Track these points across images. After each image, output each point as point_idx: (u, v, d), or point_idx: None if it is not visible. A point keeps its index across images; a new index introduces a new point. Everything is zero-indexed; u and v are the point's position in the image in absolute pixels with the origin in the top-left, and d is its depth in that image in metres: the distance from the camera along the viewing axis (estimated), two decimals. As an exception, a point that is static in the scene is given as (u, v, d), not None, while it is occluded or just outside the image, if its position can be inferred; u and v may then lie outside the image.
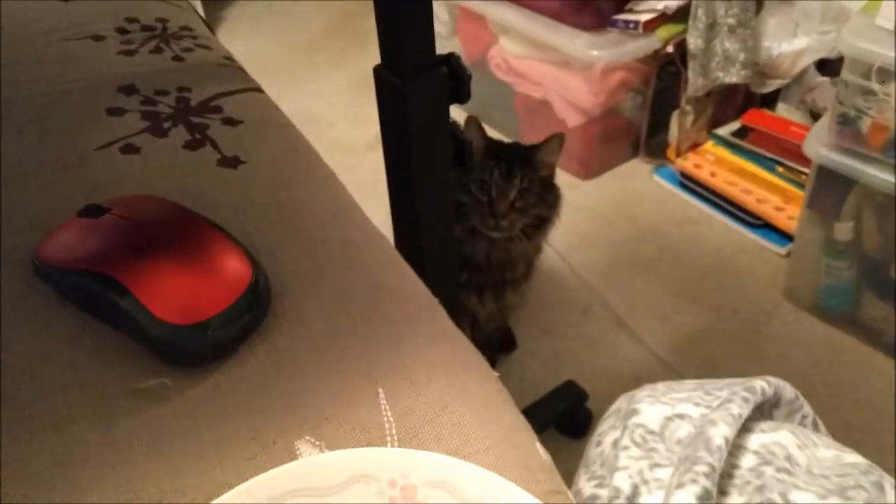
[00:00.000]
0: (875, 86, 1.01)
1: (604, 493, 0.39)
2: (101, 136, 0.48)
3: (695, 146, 1.52)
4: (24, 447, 0.32)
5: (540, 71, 1.53)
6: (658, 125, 1.55)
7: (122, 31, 0.60)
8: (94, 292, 0.35)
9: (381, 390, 0.36)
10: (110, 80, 0.53)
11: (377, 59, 0.59)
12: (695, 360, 1.15)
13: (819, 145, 1.08)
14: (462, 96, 0.66)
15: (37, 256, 0.38)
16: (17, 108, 0.50)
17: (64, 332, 0.36)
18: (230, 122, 0.51)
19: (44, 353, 0.35)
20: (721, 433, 0.37)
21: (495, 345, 1.17)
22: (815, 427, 0.46)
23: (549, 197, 0.95)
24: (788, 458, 0.39)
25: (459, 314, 1.01)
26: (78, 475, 0.31)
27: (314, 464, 0.31)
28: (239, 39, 2.18)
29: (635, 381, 1.21)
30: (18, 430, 0.32)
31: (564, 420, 1.05)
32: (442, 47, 0.61)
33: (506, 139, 1.05)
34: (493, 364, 1.16)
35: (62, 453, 0.31)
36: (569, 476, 0.38)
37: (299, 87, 1.90)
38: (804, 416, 0.45)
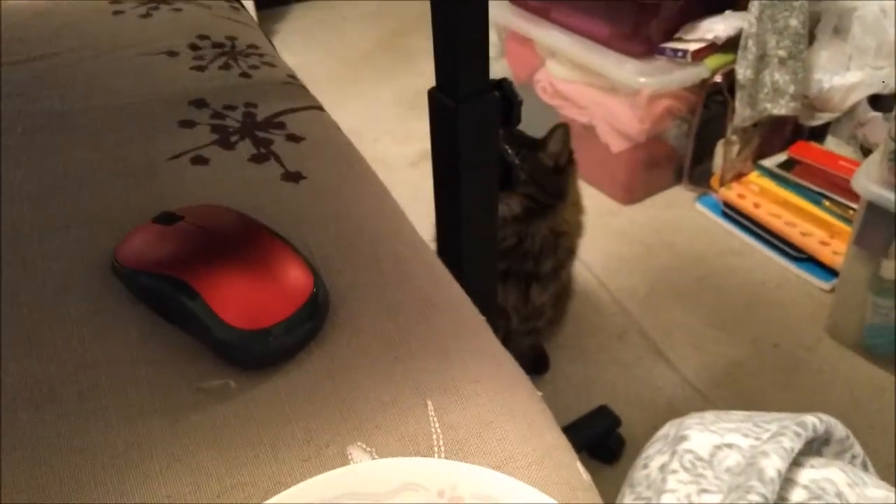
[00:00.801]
0: (929, 124, 0.99)
1: None
2: (173, 147, 0.51)
3: (739, 176, 1.51)
4: (100, 437, 0.34)
5: (586, 95, 1.54)
6: (702, 154, 1.54)
7: (194, 47, 0.64)
8: (165, 294, 0.38)
9: (429, 402, 0.37)
10: (182, 94, 0.56)
11: (423, 78, 0.61)
12: (731, 391, 1.13)
13: (869, 181, 1.06)
14: (512, 121, 0.68)
15: (115, 258, 0.40)
16: (97, 117, 0.54)
17: (136, 332, 0.39)
18: (293, 138, 0.53)
19: (118, 350, 0.38)
20: (774, 465, 0.38)
21: (528, 365, 1.18)
22: (865, 468, 0.46)
23: (549, 185, 0.97)
24: (839, 494, 0.39)
25: (496, 331, 1.02)
26: (147, 465, 0.33)
27: (367, 470, 0.33)
28: (290, 53, 2.24)
29: (669, 410, 1.20)
30: (95, 420, 0.34)
31: (596, 445, 1.05)
32: (490, 68, 0.63)
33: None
34: (526, 384, 1.16)
35: (133, 444, 0.33)
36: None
37: (346, 102, 1.94)
38: (854, 456, 0.45)
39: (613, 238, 1.47)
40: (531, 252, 0.99)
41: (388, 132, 1.80)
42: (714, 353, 1.21)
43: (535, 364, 1.19)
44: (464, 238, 0.70)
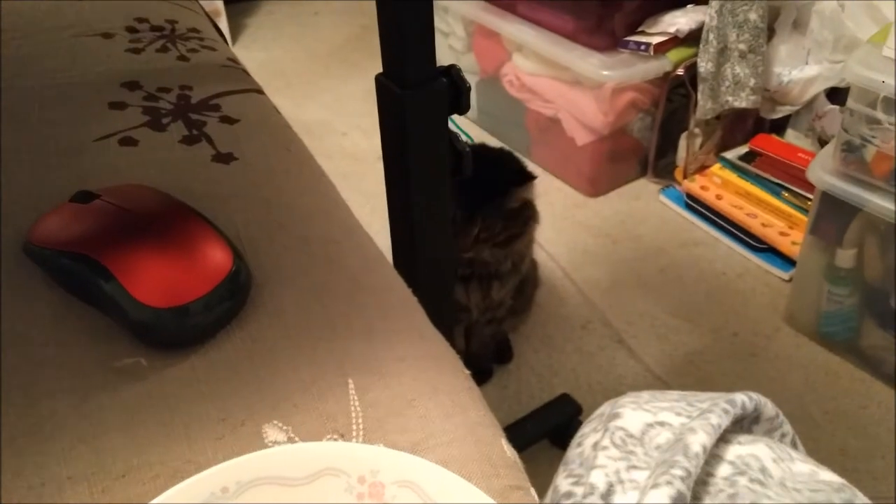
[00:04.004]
0: (880, 115, 1.01)
1: (579, 490, 0.40)
2: (102, 128, 0.50)
3: (702, 168, 1.52)
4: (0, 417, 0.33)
5: (551, 89, 1.55)
6: (666, 146, 1.56)
7: (131, 30, 0.63)
8: (78, 274, 0.37)
9: (350, 381, 0.37)
10: (115, 76, 0.55)
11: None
12: (691, 379, 1.14)
13: (823, 172, 1.08)
14: (461, 108, 0.67)
15: (28, 237, 0.39)
16: (23, 97, 0.52)
17: (48, 312, 0.38)
18: (227, 120, 0.53)
19: (26, 331, 0.37)
20: (699, 441, 0.38)
21: (491, 354, 1.18)
22: (794, 446, 0.46)
23: (516, 221, 0.96)
24: (763, 469, 0.40)
25: (453, 322, 1.02)
26: (49, 446, 0.32)
27: (286, 453, 0.32)
28: (259, 47, 2.22)
29: (627, 398, 1.19)
30: (-4, 399, 0.33)
31: (557, 433, 1.05)
32: (457, 62, 0.63)
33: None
34: (488, 373, 1.16)
35: (35, 425, 0.33)
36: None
37: (316, 96, 1.93)
38: (783, 435, 0.45)
39: (579, 230, 1.48)
40: (492, 260, 0.99)
41: (357, 126, 1.79)
42: (675, 341, 1.22)
43: (498, 353, 1.19)
44: (415, 228, 0.69)
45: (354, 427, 0.35)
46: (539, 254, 1.27)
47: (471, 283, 1.00)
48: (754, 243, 1.37)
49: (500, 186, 0.93)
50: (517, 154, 1.03)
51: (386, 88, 0.62)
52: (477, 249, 0.93)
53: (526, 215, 0.98)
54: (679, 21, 1.43)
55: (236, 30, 2.29)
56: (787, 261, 1.33)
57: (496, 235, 0.94)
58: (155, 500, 0.28)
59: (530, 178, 0.96)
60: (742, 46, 1.40)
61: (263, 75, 0.64)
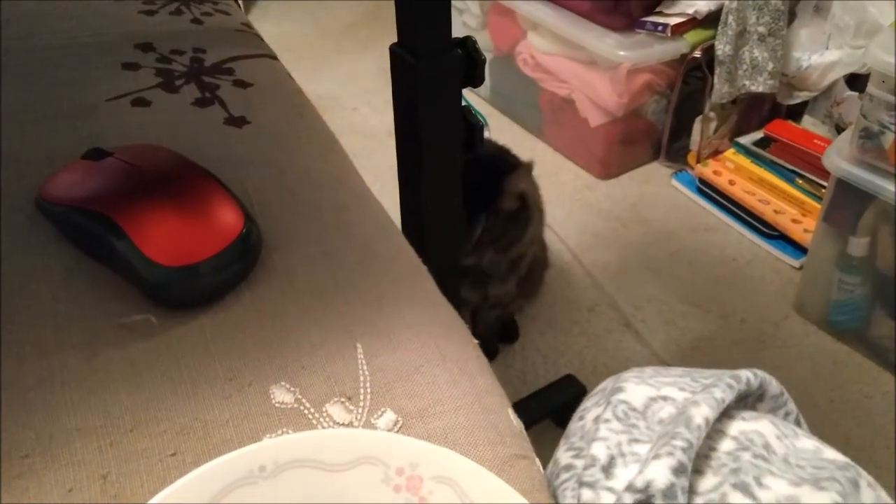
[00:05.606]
0: (900, 101, 0.99)
1: (580, 462, 0.40)
2: (114, 89, 0.49)
3: (716, 153, 1.51)
4: (10, 369, 0.33)
5: (566, 68, 1.53)
6: (680, 130, 1.54)
7: (145, -8, 0.62)
8: (89, 230, 0.37)
9: (359, 346, 0.37)
10: (128, 37, 0.55)
11: (404, 48, 0.59)
12: (698, 364, 1.14)
13: (839, 158, 1.06)
14: (475, 80, 0.67)
15: (39, 193, 0.39)
16: (35, 56, 0.52)
17: (59, 268, 0.38)
18: (241, 84, 0.52)
19: (37, 286, 0.37)
20: (702, 413, 0.38)
21: (497, 333, 1.18)
22: (798, 425, 0.46)
23: (517, 222, 0.96)
24: (766, 446, 0.40)
25: (460, 302, 1.02)
26: (58, 398, 0.32)
27: (326, 437, 0.31)
28: (271, 21, 2.21)
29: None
30: (6, 353, 0.34)
31: (561, 413, 1.05)
32: (452, 25, 0.62)
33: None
34: (494, 353, 1.16)
35: (45, 377, 0.33)
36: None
37: (326, 72, 1.92)
38: (788, 413, 0.45)
39: (589, 212, 1.47)
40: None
41: (367, 102, 1.78)
42: (683, 327, 1.22)
43: (504, 333, 1.19)
44: (425, 200, 0.69)
45: (362, 391, 0.35)
46: (548, 235, 1.27)
47: (465, 281, 1.00)
48: (766, 230, 1.36)
49: (496, 181, 0.93)
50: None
51: (400, 58, 0.61)
52: (478, 255, 0.93)
53: (525, 217, 0.97)
54: (698, 2, 1.41)
55: (248, 3, 2.28)
56: (798, 248, 1.32)
57: (497, 239, 0.94)
58: (191, 473, 0.28)
59: (520, 165, 0.95)
60: (762, 29, 1.38)
61: (274, 48, 0.64)
